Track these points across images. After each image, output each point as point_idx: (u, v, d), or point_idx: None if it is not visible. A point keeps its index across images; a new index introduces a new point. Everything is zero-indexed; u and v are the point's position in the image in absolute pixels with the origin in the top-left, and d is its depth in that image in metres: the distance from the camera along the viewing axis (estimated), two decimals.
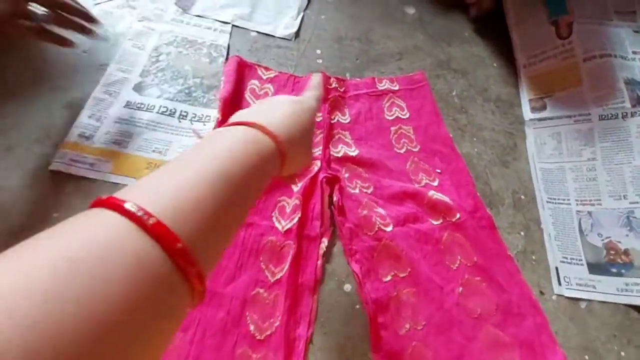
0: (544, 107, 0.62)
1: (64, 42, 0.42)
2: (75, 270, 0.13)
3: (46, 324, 0.12)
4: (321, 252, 0.44)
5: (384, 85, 0.60)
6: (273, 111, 0.27)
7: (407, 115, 0.58)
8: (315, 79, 0.36)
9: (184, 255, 0.16)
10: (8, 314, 0.11)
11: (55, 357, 0.11)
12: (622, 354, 0.45)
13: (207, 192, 0.18)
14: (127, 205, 0.15)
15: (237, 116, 0.27)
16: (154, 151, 0.47)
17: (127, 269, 0.14)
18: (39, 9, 0.39)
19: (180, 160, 0.20)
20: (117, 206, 0.16)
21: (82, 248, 0.14)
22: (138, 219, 0.15)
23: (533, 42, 0.66)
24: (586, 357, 0.44)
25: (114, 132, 0.47)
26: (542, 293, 0.47)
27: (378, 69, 0.62)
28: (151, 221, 0.15)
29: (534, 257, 0.49)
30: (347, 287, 0.44)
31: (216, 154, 0.20)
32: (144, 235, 0.15)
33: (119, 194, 0.17)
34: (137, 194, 0.17)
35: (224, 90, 0.52)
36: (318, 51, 0.62)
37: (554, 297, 0.47)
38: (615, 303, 0.47)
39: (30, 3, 0.38)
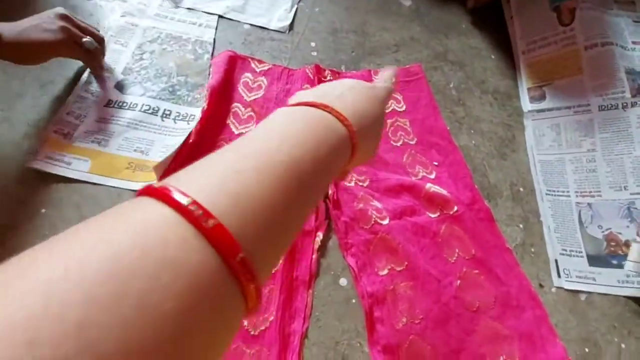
0: (543, 97, 0.61)
1: (104, 70, 0.49)
2: (119, 290, 0.10)
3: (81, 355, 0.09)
4: (316, 246, 0.44)
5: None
6: (344, 95, 0.23)
7: (404, 108, 0.57)
8: (388, 73, 0.32)
9: (244, 267, 0.13)
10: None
11: None
12: (623, 345, 0.44)
13: (273, 189, 0.15)
14: (184, 201, 0.13)
15: (300, 96, 0.23)
16: (135, 150, 0.45)
17: (183, 288, 0.11)
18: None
19: (240, 147, 0.17)
20: (170, 200, 0.13)
21: (128, 261, 0.11)
22: (195, 220, 0.12)
23: (534, 28, 0.64)
24: (586, 349, 0.43)
25: (94, 130, 0.45)
26: (541, 286, 0.47)
27: (374, 61, 0.61)
28: (211, 223, 0.13)
29: (532, 250, 0.49)
30: (343, 281, 0.43)
31: (283, 141, 0.17)
32: (201, 241, 0.12)
33: (173, 182, 0.14)
34: (192, 186, 0.14)
35: (212, 80, 0.51)
36: (312, 44, 0.61)
37: (553, 289, 0.47)
38: (615, 295, 0.46)
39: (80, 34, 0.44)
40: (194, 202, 0.13)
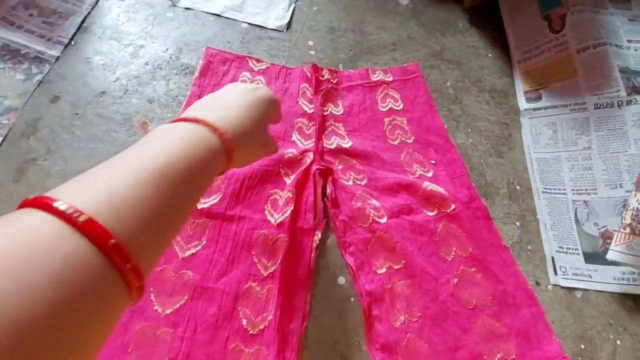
0: (539, 98, 0.61)
1: None
2: None
3: None
4: (314, 245, 0.44)
5: (378, 76, 0.59)
6: (226, 103, 0.27)
7: (401, 107, 0.57)
8: None
9: (118, 251, 0.15)
10: None
11: None
12: (618, 342, 0.44)
13: (147, 191, 0.18)
14: (57, 204, 0.15)
15: (190, 110, 0.26)
16: None
17: (55, 270, 0.14)
18: None
19: (121, 158, 0.20)
20: (46, 205, 0.15)
21: (4, 252, 0.13)
22: (68, 217, 0.15)
23: (527, 37, 0.65)
24: (582, 346, 0.44)
25: None
26: (537, 283, 0.47)
27: (371, 60, 0.61)
28: (82, 218, 0.15)
29: (529, 248, 0.49)
30: (341, 279, 0.43)
31: (157, 153, 0.20)
32: (74, 233, 0.15)
33: (49, 193, 0.16)
34: (69, 193, 0.16)
35: (194, 87, 0.51)
36: (310, 42, 0.61)
37: (549, 287, 0.47)
38: (611, 292, 0.47)
39: None
40: (69, 206, 0.15)
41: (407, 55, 0.63)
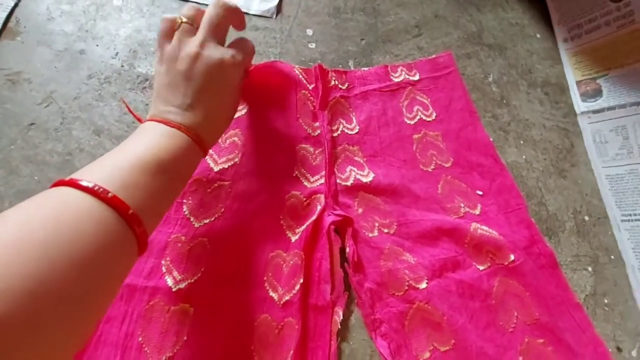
0: (598, 93, 0.48)
1: None
2: (36, 237, 0.18)
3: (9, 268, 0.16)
4: (335, 328, 0.33)
5: (400, 75, 0.45)
6: (196, 100, 0.29)
7: (433, 116, 0.43)
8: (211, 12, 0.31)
9: (134, 219, 0.22)
10: None
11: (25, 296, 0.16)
12: None
13: (144, 177, 0.23)
14: (84, 183, 0.21)
15: (159, 107, 0.29)
16: None
17: (90, 228, 0.20)
18: None
19: (121, 151, 0.25)
20: (76, 185, 0.21)
21: (44, 218, 0.19)
22: (96, 193, 0.20)
23: (576, 8, 0.51)
24: None
25: None
26: (619, 350, 0.37)
27: (391, 51, 0.47)
28: (110, 195, 0.21)
29: (606, 301, 0.38)
30: None
31: (147, 149, 0.25)
32: (102, 205, 0.21)
33: (76, 175, 0.22)
34: (93, 176, 0.22)
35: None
36: (309, 31, 0.46)
37: (634, 352, 0.37)
38: None
39: None
40: (96, 185, 0.21)
41: (435, 42, 0.49)
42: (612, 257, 0.40)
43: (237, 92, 0.33)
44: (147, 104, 0.39)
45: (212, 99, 0.30)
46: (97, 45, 0.41)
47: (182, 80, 0.29)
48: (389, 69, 0.45)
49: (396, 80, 0.44)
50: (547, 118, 0.46)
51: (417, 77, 0.45)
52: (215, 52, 0.29)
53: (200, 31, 0.30)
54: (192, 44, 0.29)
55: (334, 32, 0.47)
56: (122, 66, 0.40)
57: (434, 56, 0.47)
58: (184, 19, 0.30)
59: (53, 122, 0.37)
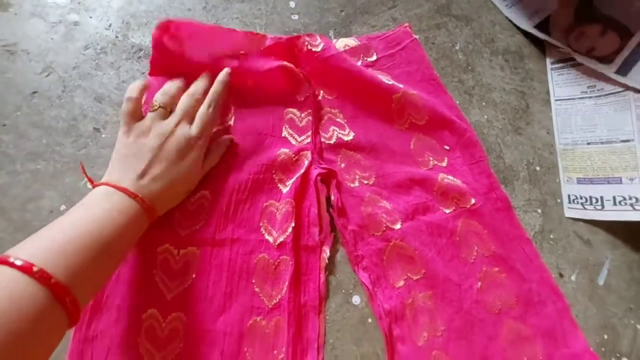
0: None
1: None
2: None
3: None
4: (323, 264, 0.38)
5: (359, 60, 0.47)
6: (157, 176, 0.32)
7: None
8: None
9: (57, 287, 0.22)
10: None
11: None
12: (638, 327, 0.43)
13: (80, 249, 0.25)
14: (11, 259, 0.22)
15: (115, 175, 0.31)
16: None
17: (18, 306, 0.21)
18: None
19: (61, 223, 0.26)
20: (5, 262, 0.22)
21: None
22: (22, 268, 0.22)
23: None
24: (605, 336, 0.42)
25: None
26: (561, 275, 0.44)
27: (368, 21, 0.51)
28: (35, 269, 0.22)
29: (552, 237, 0.45)
30: (356, 299, 0.38)
31: (90, 222, 0.26)
32: (28, 278, 0.21)
33: (9, 251, 0.23)
34: (24, 250, 0.23)
35: (153, 81, 0.40)
36: (292, 3, 0.49)
37: (572, 277, 0.44)
38: (629, 269, 0.45)
39: None
40: (19, 259, 0.22)
41: (408, 13, 0.53)
42: (558, 200, 0.47)
43: (198, 170, 0.36)
44: (143, 72, 0.42)
45: (176, 174, 0.33)
46: (91, 17, 0.43)
47: (148, 153, 0.32)
48: (347, 55, 0.46)
49: (358, 62, 0.47)
50: (507, 82, 0.52)
51: (374, 57, 0.48)
52: (187, 132, 0.34)
53: (176, 113, 0.35)
54: (167, 124, 0.34)
55: (316, 4, 0.50)
56: (117, 37, 0.43)
57: (389, 32, 0.50)
58: (161, 105, 0.35)
59: (55, 90, 0.39)
